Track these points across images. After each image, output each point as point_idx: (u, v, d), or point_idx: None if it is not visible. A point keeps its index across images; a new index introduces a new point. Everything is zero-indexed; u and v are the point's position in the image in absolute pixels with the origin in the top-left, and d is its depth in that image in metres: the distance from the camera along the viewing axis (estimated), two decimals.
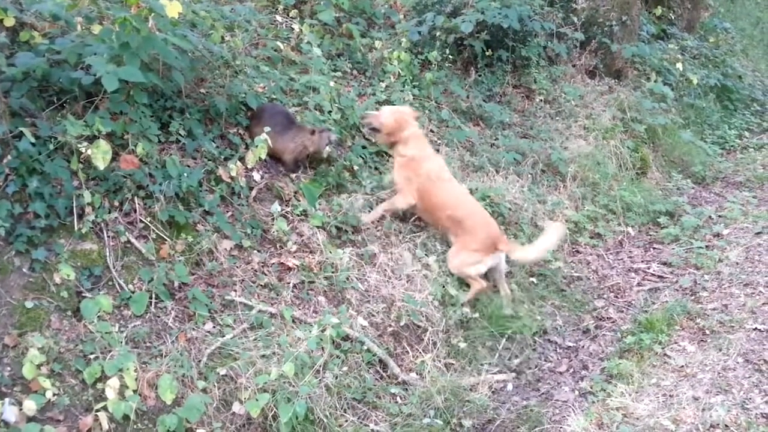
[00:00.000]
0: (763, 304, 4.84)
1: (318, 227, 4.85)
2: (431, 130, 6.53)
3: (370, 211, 5.23)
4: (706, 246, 6.07)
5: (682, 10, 11.38)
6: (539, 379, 4.64)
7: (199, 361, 3.76)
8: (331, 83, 5.73)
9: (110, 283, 3.85)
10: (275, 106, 5.16)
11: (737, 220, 6.59)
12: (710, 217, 6.79)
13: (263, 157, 4.66)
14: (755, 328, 4.54)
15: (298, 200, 4.96)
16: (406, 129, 5.28)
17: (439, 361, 4.62)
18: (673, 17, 11.17)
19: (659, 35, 10.43)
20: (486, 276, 5.22)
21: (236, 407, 3.67)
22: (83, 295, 3.71)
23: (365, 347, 4.35)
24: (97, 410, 3.34)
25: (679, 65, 9.28)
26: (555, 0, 8.49)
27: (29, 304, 3.50)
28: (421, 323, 4.76)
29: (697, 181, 8.13)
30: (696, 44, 10.93)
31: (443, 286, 5.04)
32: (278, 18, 6.34)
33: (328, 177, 5.21)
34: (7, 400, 3.19)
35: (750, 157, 8.78)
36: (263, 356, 3.91)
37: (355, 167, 5.44)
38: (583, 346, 4.99)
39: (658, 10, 10.75)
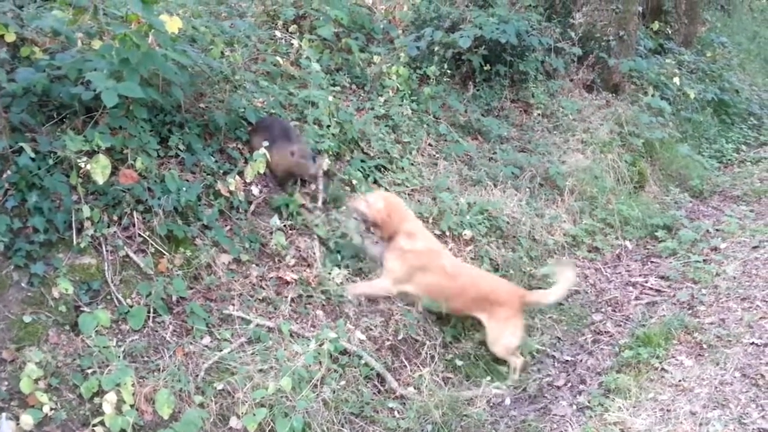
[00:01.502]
0: (761, 318, 4.84)
1: (317, 240, 4.86)
2: (430, 144, 6.56)
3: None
4: (704, 260, 6.08)
5: (679, 24, 11.45)
6: (537, 393, 4.63)
7: (197, 375, 3.77)
8: (330, 98, 5.76)
9: (108, 297, 3.86)
10: (276, 119, 5.17)
11: (734, 234, 6.59)
12: (708, 231, 6.79)
13: (262, 171, 4.67)
14: (752, 343, 4.54)
15: (298, 214, 4.97)
16: (406, 220, 4.88)
17: (437, 375, 4.62)
18: (670, 32, 11.23)
19: (656, 50, 10.49)
20: None
21: (233, 422, 3.68)
22: (81, 309, 3.72)
23: (363, 361, 4.35)
24: (94, 425, 3.34)
25: (676, 80, 9.32)
26: (552, 15, 8.55)
27: (27, 319, 3.51)
28: (419, 337, 4.76)
29: (694, 195, 8.14)
30: (693, 59, 10.97)
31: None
32: (277, 33, 6.37)
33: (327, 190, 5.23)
34: (4, 414, 3.20)
35: (747, 171, 8.80)
36: (261, 371, 3.92)
37: (354, 181, 5.45)
38: (581, 361, 4.99)
39: (656, 25, 10.83)
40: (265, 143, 4.80)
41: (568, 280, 5.10)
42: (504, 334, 4.80)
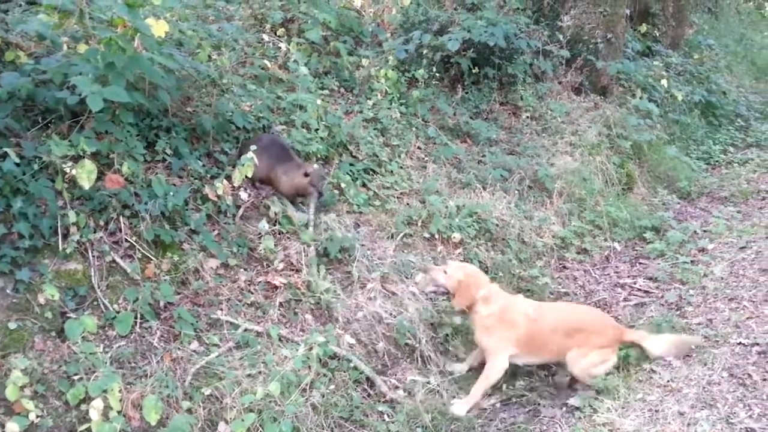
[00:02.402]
0: (748, 318, 4.86)
1: (305, 244, 4.85)
2: (418, 147, 6.56)
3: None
4: (692, 261, 6.10)
5: (667, 27, 11.51)
6: (527, 395, 4.63)
7: (185, 381, 3.75)
8: (318, 101, 5.75)
9: (95, 303, 3.84)
10: (274, 137, 5.16)
11: (722, 235, 6.63)
12: (695, 232, 6.82)
13: (249, 175, 4.65)
14: (740, 343, 4.55)
15: (285, 218, 4.95)
16: (482, 286, 4.59)
17: (427, 378, 4.61)
18: (657, 34, 11.29)
19: (644, 52, 10.54)
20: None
21: (222, 427, 3.66)
22: (67, 315, 3.70)
23: (352, 365, 4.34)
24: None
25: (664, 82, 9.36)
26: (541, 18, 8.58)
27: (13, 325, 3.48)
28: (409, 341, 4.75)
29: (682, 196, 8.18)
30: (681, 61, 11.04)
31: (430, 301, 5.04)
32: (265, 37, 6.37)
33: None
34: None
35: (734, 172, 8.84)
36: (249, 375, 3.91)
37: (343, 185, 5.44)
38: None
39: (643, 28, 10.87)
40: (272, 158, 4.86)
41: (686, 341, 4.65)
42: (589, 357, 4.49)
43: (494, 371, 4.49)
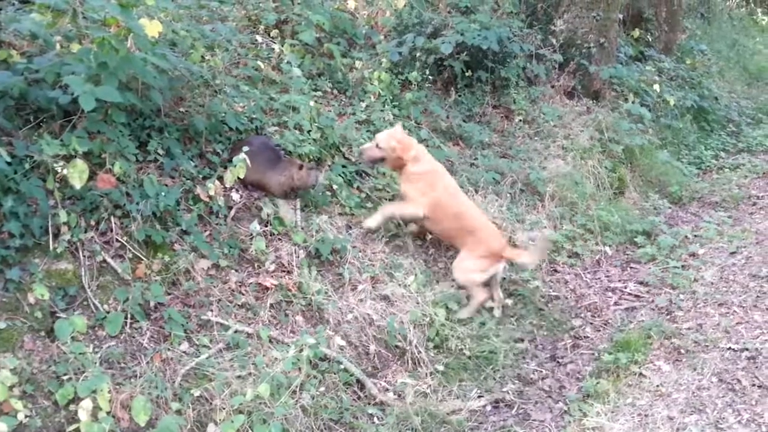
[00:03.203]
0: (737, 323, 4.89)
1: (297, 246, 4.84)
2: None
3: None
4: (682, 266, 6.13)
5: (660, 32, 11.54)
6: (517, 399, 4.64)
7: (174, 382, 3.74)
8: (312, 103, 5.75)
9: (85, 303, 3.83)
10: (263, 139, 5.16)
11: (713, 240, 6.66)
12: (686, 236, 6.86)
13: (241, 176, 4.65)
14: (729, 348, 4.58)
15: (277, 220, 4.95)
16: (411, 148, 5.36)
17: (419, 380, 4.61)
18: (650, 39, 11.32)
19: (637, 57, 10.57)
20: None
21: (211, 429, 3.65)
22: (57, 315, 3.68)
23: (342, 367, 4.34)
24: None
25: (656, 87, 9.40)
26: (534, 22, 8.59)
27: (2, 325, 3.46)
28: (400, 343, 4.75)
29: (673, 201, 8.21)
30: (673, 66, 11.07)
31: (419, 304, 5.04)
32: (259, 38, 6.36)
33: (307, 196, 5.22)
34: None
35: (726, 178, 8.88)
36: (239, 377, 3.90)
37: (335, 186, 5.44)
38: (560, 366, 5.01)
39: (636, 33, 10.91)
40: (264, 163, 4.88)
41: (544, 244, 5.66)
42: (467, 262, 5.31)
43: (407, 209, 5.36)
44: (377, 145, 5.35)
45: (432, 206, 5.33)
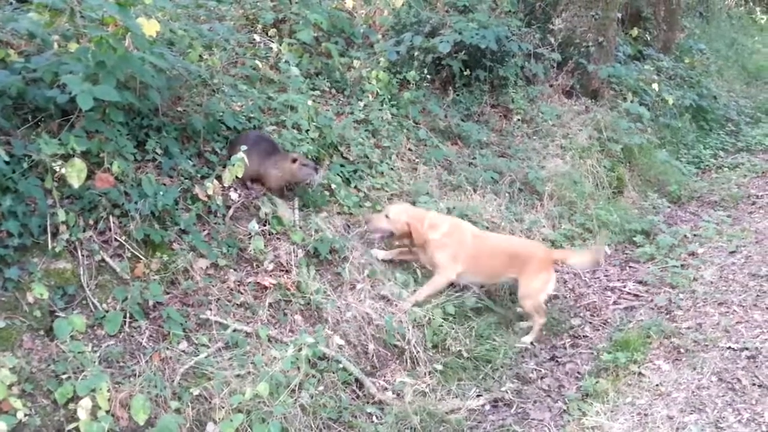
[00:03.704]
0: (737, 323, 4.89)
1: (295, 245, 4.84)
2: (409, 149, 6.56)
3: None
4: (681, 265, 6.13)
5: (658, 31, 11.55)
6: (516, 398, 4.64)
7: (173, 380, 3.73)
8: (309, 102, 5.74)
9: (84, 302, 3.82)
10: (260, 133, 5.15)
11: (712, 239, 6.66)
12: (685, 236, 6.86)
13: (240, 175, 4.64)
14: (729, 347, 4.58)
15: (276, 219, 4.94)
16: (423, 219, 5.12)
17: (417, 379, 4.61)
18: (649, 38, 11.33)
19: (635, 56, 10.58)
20: None
21: (210, 428, 3.64)
22: (56, 314, 3.67)
23: (341, 366, 4.34)
24: (69, 431, 3.30)
25: (655, 86, 9.40)
26: (532, 21, 8.59)
27: (1, 324, 3.45)
28: (398, 342, 4.75)
29: (672, 200, 8.21)
30: (672, 65, 11.08)
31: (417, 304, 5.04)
32: (256, 37, 6.36)
33: (305, 196, 5.22)
34: None
35: (725, 177, 8.89)
36: (238, 376, 3.89)
37: (333, 186, 5.44)
38: (559, 365, 5.01)
39: (635, 32, 10.92)
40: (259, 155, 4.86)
41: (596, 253, 5.46)
42: (531, 286, 5.15)
43: (442, 280, 5.09)
44: (386, 215, 5.10)
45: (468, 260, 5.13)
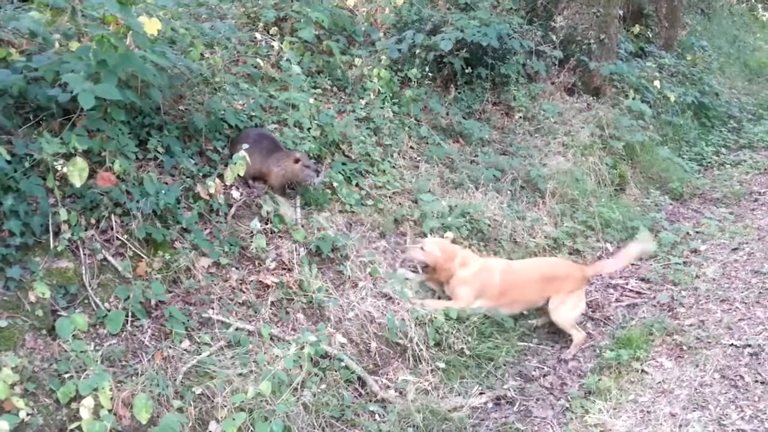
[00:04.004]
0: (740, 320, 4.89)
1: (297, 243, 4.84)
2: (411, 147, 6.56)
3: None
4: (684, 262, 6.12)
5: (660, 28, 11.53)
6: (518, 396, 4.63)
7: (175, 379, 3.72)
8: (311, 100, 5.74)
9: (86, 301, 3.82)
10: (261, 130, 5.15)
11: (714, 236, 6.66)
12: (688, 233, 6.85)
13: (242, 174, 4.64)
14: (731, 344, 4.58)
15: (277, 217, 4.94)
16: (455, 256, 5.17)
17: (420, 377, 4.61)
18: (650, 35, 11.32)
19: (637, 53, 10.56)
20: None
21: (212, 426, 3.64)
22: (58, 313, 3.67)
23: (344, 365, 4.33)
24: (72, 430, 3.30)
25: (656, 83, 9.39)
26: (534, 18, 8.59)
27: (3, 323, 3.45)
28: (401, 340, 4.75)
29: (674, 197, 8.20)
30: (673, 62, 11.06)
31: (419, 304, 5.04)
32: (258, 35, 6.35)
33: (307, 194, 5.21)
34: None
35: (727, 174, 8.88)
36: (240, 374, 3.89)
37: (335, 184, 5.43)
38: (561, 363, 5.00)
39: (636, 29, 10.90)
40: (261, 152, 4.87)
41: (634, 250, 5.58)
42: (565, 306, 5.17)
43: (457, 305, 5.10)
44: (422, 248, 5.17)
45: (499, 297, 5.16)
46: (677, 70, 10.95)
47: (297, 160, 4.95)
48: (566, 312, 5.17)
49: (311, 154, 5.39)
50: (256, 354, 4.07)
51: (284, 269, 4.70)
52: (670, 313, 5.24)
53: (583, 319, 5.53)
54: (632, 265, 6.41)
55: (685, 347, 4.67)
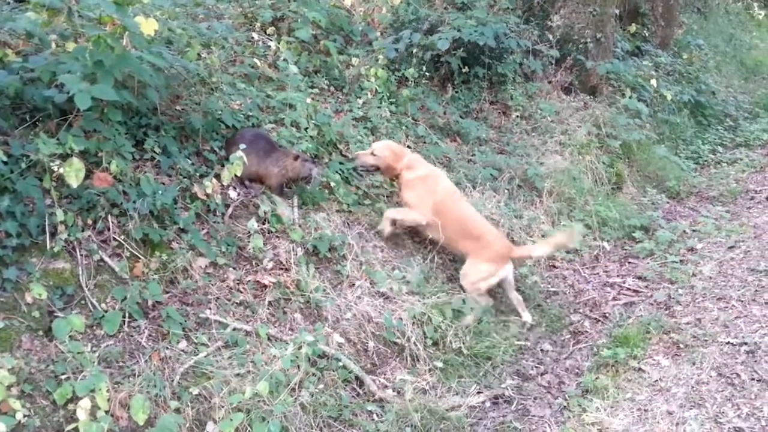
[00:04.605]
0: (736, 317, 4.89)
1: (295, 243, 4.84)
2: (408, 146, 6.55)
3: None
4: (681, 260, 6.13)
5: (656, 27, 11.55)
6: (516, 395, 4.64)
7: (173, 380, 3.72)
8: (308, 100, 5.74)
9: (83, 302, 3.81)
10: (256, 130, 5.15)
11: (711, 235, 6.67)
12: (684, 231, 6.86)
13: (239, 174, 4.63)
14: (728, 342, 4.58)
15: (275, 217, 4.94)
16: (404, 156, 5.44)
17: (418, 376, 4.61)
18: (647, 34, 11.33)
19: (634, 52, 10.58)
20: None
21: (210, 427, 3.64)
22: (55, 314, 3.67)
23: (341, 364, 4.33)
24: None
25: (653, 81, 9.41)
26: (530, 18, 8.59)
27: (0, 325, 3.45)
28: (398, 340, 4.75)
29: (671, 195, 8.22)
30: (670, 61, 11.08)
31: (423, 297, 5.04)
32: (255, 35, 6.35)
33: (304, 194, 5.21)
34: None
35: (723, 172, 8.89)
36: (238, 375, 3.89)
37: (332, 184, 5.43)
38: (558, 361, 5.01)
39: (633, 28, 10.91)
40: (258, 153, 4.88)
41: (563, 238, 5.62)
42: (475, 270, 5.28)
43: (409, 214, 5.34)
44: (372, 153, 5.41)
45: (434, 211, 5.30)
46: (674, 68, 10.97)
47: (296, 157, 4.96)
48: (474, 277, 5.27)
49: (309, 154, 5.39)
50: (254, 354, 4.07)
51: (281, 269, 4.70)
52: (666, 312, 5.24)
53: (580, 318, 5.54)
54: (629, 263, 6.43)
55: (681, 345, 4.67)
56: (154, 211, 4.23)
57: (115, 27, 4.22)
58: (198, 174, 4.68)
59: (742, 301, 5.11)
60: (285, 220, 4.94)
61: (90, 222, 4.01)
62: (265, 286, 4.54)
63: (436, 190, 5.37)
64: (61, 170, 3.79)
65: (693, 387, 4.18)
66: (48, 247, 3.78)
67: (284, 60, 6.06)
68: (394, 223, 5.38)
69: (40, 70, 3.99)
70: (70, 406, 3.37)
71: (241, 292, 4.43)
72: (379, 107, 6.47)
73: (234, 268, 4.52)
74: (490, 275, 5.29)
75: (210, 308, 4.23)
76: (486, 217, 5.99)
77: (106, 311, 3.82)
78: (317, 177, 5.11)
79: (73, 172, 3.80)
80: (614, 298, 5.84)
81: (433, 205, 5.31)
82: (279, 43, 6.28)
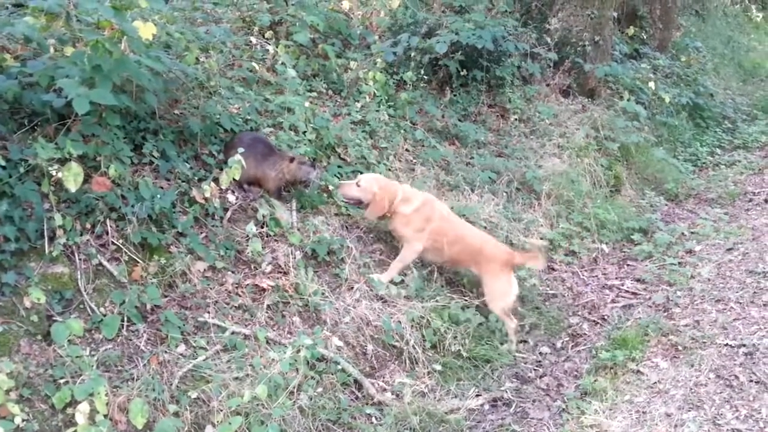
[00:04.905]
0: (734, 319, 4.90)
1: (293, 246, 4.84)
2: (407, 150, 6.57)
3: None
4: (679, 262, 6.14)
5: (654, 29, 11.57)
6: (515, 397, 4.64)
7: (171, 384, 3.72)
8: (307, 103, 5.74)
9: (81, 306, 3.81)
10: (255, 134, 5.16)
11: (709, 237, 6.68)
12: (683, 233, 6.87)
13: (237, 178, 4.64)
14: (726, 344, 4.59)
15: (273, 221, 4.94)
16: (397, 190, 5.23)
17: (416, 380, 4.61)
18: (645, 37, 11.35)
19: (632, 55, 10.59)
20: None
21: (209, 431, 3.64)
22: (54, 318, 3.67)
23: (340, 368, 4.34)
24: None
25: (651, 84, 9.41)
26: (528, 21, 8.61)
27: None
28: (397, 343, 4.75)
29: (670, 198, 8.22)
30: (668, 63, 11.09)
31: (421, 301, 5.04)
32: (253, 39, 6.35)
33: (303, 197, 5.22)
34: None
35: (722, 174, 8.90)
36: (236, 378, 3.89)
37: (331, 187, 5.44)
38: (557, 363, 5.01)
39: (631, 30, 10.93)
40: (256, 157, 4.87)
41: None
42: (497, 288, 5.21)
43: (409, 252, 5.19)
44: (357, 183, 5.19)
45: (432, 238, 5.20)
46: (672, 71, 10.98)
47: (292, 159, 4.96)
48: (500, 294, 5.21)
49: (307, 157, 5.39)
50: (252, 358, 4.07)
51: (280, 273, 4.70)
52: (665, 314, 5.25)
53: (579, 320, 5.55)
54: (628, 265, 6.44)
55: (680, 347, 4.68)
56: (153, 215, 4.23)
57: (113, 31, 4.23)
58: (196, 178, 4.69)
59: (740, 303, 5.12)
60: (283, 223, 4.94)
61: (88, 226, 4.02)
62: (264, 290, 4.54)
63: (432, 217, 5.24)
64: (60, 174, 3.80)
65: (691, 389, 4.18)
66: (47, 251, 3.79)
67: (282, 64, 6.07)
68: (400, 272, 5.20)
69: (39, 74, 4.00)
70: (69, 410, 3.37)
71: (240, 296, 4.43)
72: (377, 111, 6.48)
73: (232, 272, 4.53)
74: (509, 284, 5.23)
75: (209, 312, 4.23)
76: (485, 221, 6.03)
77: (104, 315, 3.82)
78: (315, 180, 5.11)
79: (72, 177, 3.80)
80: (613, 301, 5.84)
81: (431, 232, 5.20)
82: (277, 47, 6.29)
